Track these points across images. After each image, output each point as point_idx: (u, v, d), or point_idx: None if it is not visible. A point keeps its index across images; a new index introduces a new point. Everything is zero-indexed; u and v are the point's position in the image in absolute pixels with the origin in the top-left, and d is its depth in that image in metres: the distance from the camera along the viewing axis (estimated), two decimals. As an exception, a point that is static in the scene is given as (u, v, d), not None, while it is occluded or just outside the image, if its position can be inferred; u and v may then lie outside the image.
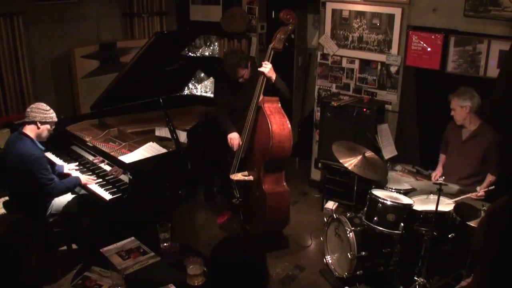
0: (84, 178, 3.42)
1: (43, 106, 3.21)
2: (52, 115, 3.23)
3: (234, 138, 3.70)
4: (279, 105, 3.66)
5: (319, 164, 4.68)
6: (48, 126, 3.22)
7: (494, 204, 1.35)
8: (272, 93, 3.66)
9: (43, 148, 3.24)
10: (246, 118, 3.63)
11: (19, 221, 1.80)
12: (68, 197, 3.42)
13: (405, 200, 3.23)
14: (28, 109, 3.20)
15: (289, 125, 3.60)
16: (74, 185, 3.34)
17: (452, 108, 3.45)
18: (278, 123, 3.55)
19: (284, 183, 3.73)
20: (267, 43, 5.08)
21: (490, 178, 3.33)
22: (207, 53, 5.66)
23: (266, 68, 3.51)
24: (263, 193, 3.61)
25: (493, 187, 3.20)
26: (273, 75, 3.56)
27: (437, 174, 3.63)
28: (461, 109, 3.39)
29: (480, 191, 3.25)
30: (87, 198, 3.43)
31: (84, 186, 3.42)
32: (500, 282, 1.24)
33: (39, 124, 3.17)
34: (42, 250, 1.84)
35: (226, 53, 3.66)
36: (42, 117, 3.17)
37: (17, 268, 1.69)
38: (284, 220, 3.84)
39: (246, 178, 3.72)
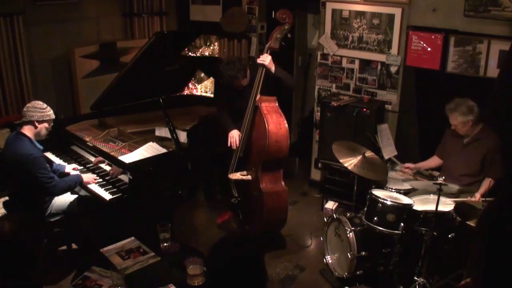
0: (86, 177, 3.41)
1: (40, 104, 3.19)
2: (49, 113, 3.20)
3: (233, 136, 3.71)
4: (276, 104, 3.67)
5: (319, 164, 4.67)
6: (46, 125, 3.20)
7: (485, 207, 1.36)
8: (275, 87, 3.65)
9: (41, 147, 3.24)
10: (244, 118, 3.64)
11: (29, 219, 1.82)
12: (68, 197, 3.42)
13: (405, 200, 3.23)
14: (25, 109, 3.17)
15: (286, 125, 3.60)
16: (75, 183, 3.33)
17: (453, 124, 3.37)
18: (275, 123, 3.55)
19: (282, 183, 3.73)
20: (267, 43, 5.08)
21: (487, 182, 3.29)
22: (207, 53, 5.66)
23: (266, 60, 3.52)
24: (261, 192, 3.62)
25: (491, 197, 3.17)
26: (272, 66, 3.57)
27: (409, 166, 3.71)
28: (464, 123, 3.32)
29: (478, 195, 3.21)
30: (87, 198, 3.43)
31: (84, 186, 3.41)
32: (497, 282, 1.25)
33: (36, 123, 3.15)
34: (48, 249, 1.86)
35: (224, 63, 3.63)
36: (39, 116, 3.15)
37: (28, 266, 1.70)
38: (282, 219, 3.84)
39: (244, 177, 3.72)
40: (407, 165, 3.78)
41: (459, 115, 3.30)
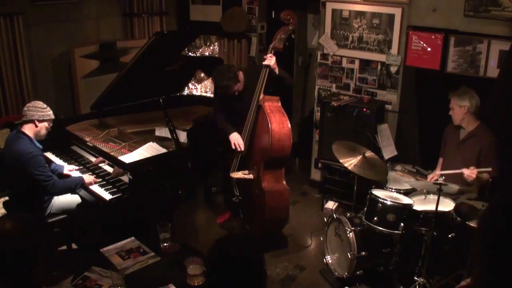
0: (87, 179, 3.41)
1: (40, 104, 3.22)
2: (49, 113, 3.24)
3: (235, 139, 3.70)
4: (279, 104, 3.67)
5: (319, 164, 4.68)
6: (46, 124, 3.23)
7: (486, 207, 1.37)
8: (273, 86, 3.66)
9: (40, 146, 3.24)
10: (247, 117, 3.64)
11: (30, 219, 1.82)
12: (68, 197, 3.42)
13: (405, 200, 3.23)
14: (25, 108, 3.20)
15: (289, 124, 3.61)
16: (76, 184, 3.33)
17: (451, 107, 3.46)
18: (278, 122, 3.55)
19: (284, 182, 3.73)
20: (267, 43, 5.08)
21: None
22: (207, 53, 5.66)
23: (271, 60, 3.54)
24: (263, 191, 3.62)
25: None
26: (276, 67, 3.59)
27: (433, 177, 3.65)
28: (459, 108, 3.40)
29: (473, 169, 3.16)
30: (87, 198, 3.42)
31: (85, 187, 3.41)
32: (498, 282, 1.25)
33: (37, 122, 3.18)
34: (48, 249, 1.86)
35: (215, 74, 3.65)
36: (40, 115, 3.18)
37: (28, 266, 1.71)
38: (283, 218, 3.84)
39: (246, 176, 3.72)
40: (432, 175, 3.57)
41: (457, 98, 3.40)
